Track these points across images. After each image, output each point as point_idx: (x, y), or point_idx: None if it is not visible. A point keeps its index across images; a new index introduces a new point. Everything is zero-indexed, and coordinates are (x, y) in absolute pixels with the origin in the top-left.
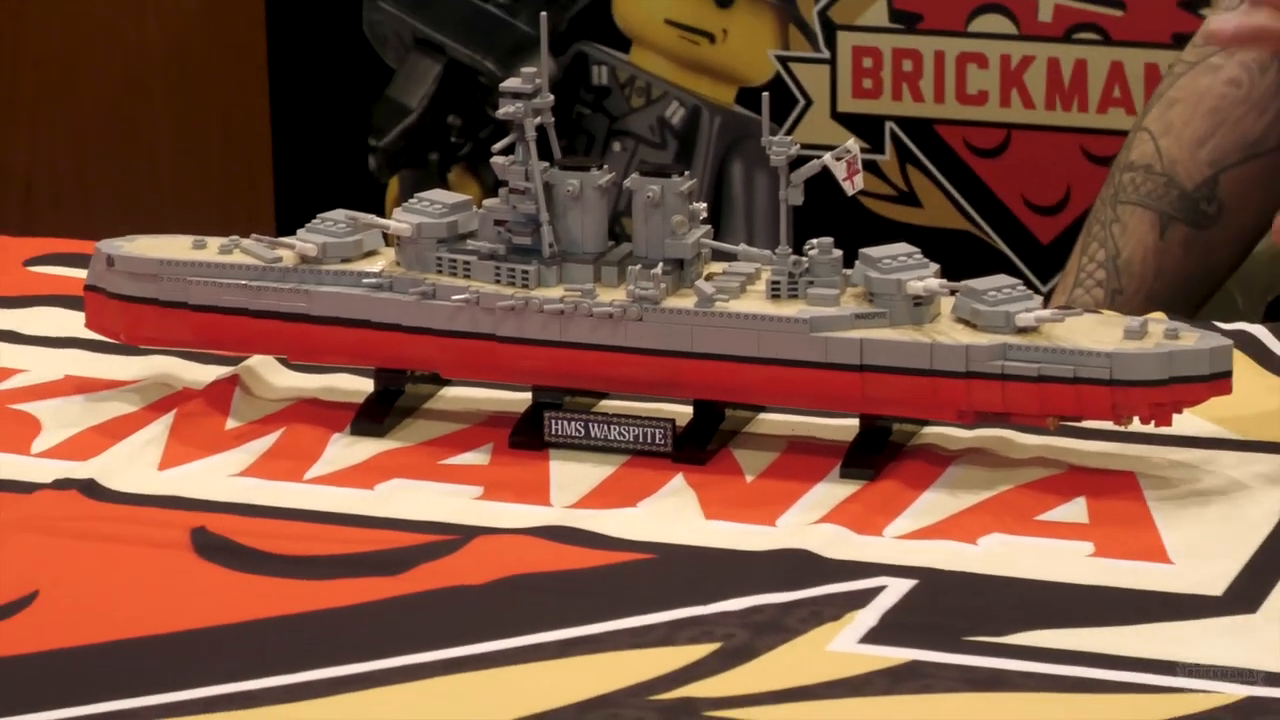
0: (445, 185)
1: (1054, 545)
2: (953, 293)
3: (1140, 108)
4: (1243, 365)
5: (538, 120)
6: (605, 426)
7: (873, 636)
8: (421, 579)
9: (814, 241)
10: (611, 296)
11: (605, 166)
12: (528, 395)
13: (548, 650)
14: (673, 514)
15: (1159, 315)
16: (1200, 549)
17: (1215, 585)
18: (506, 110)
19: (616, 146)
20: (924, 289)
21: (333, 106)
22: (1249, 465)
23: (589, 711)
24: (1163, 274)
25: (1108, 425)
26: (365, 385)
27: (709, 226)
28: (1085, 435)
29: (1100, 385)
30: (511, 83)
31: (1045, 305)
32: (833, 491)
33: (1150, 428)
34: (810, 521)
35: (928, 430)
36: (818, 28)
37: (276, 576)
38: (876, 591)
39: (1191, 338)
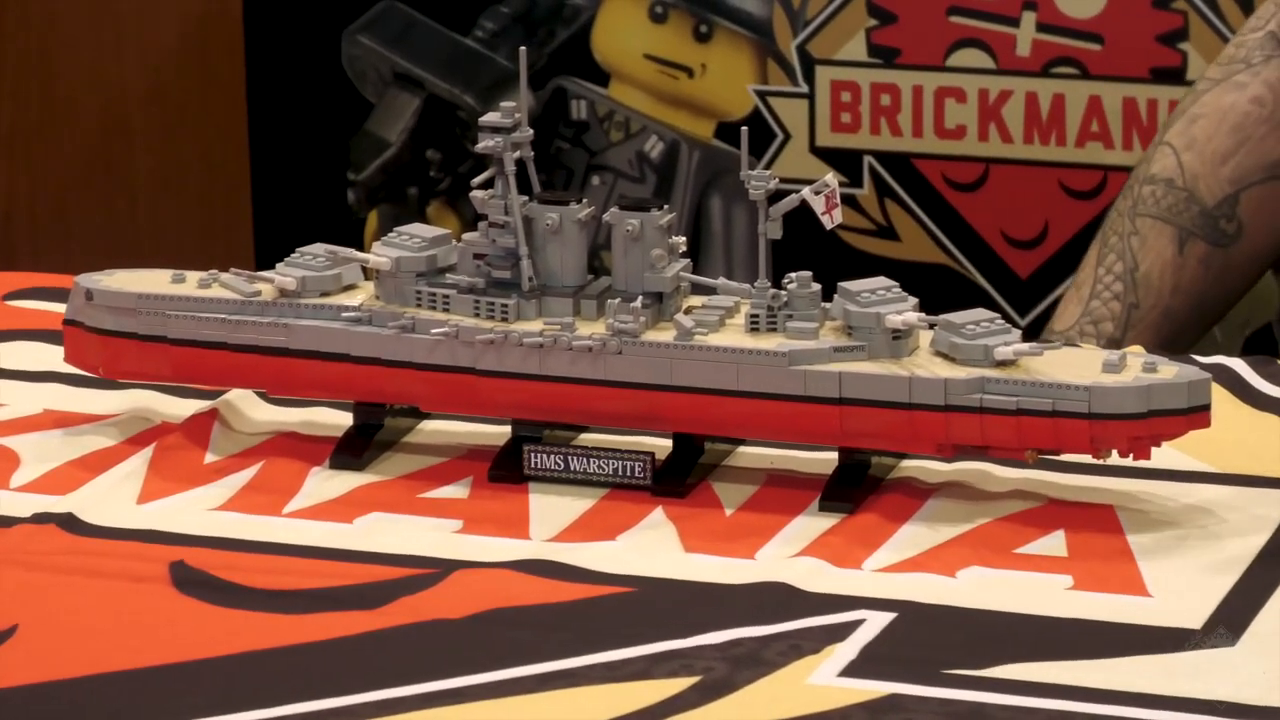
0: (424, 219)
1: (1033, 578)
2: (931, 326)
3: (1118, 142)
4: (1221, 398)
5: (517, 154)
6: (585, 460)
7: (852, 670)
8: (400, 613)
9: (793, 275)
10: (591, 330)
11: (584, 200)
12: (507, 429)
13: (526, 684)
14: (652, 547)
15: (1137, 349)
16: (1179, 582)
17: (1194, 618)
18: (486, 145)
19: (596, 181)
20: (902, 322)
21: (312, 141)
22: (1228, 498)
23: None
24: (1180, 290)
25: (1086, 458)
26: (344, 419)
27: (688, 260)
28: (1064, 468)
29: (1079, 419)
30: (491, 117)
31: (1040, 329)
32: (812, 525)
33: (1129, 461)
34: (789, 555)
35: (906, 463)
36: (796, 62)
37: (255, 610)
38: (856, 625)
39: (1170, 371)
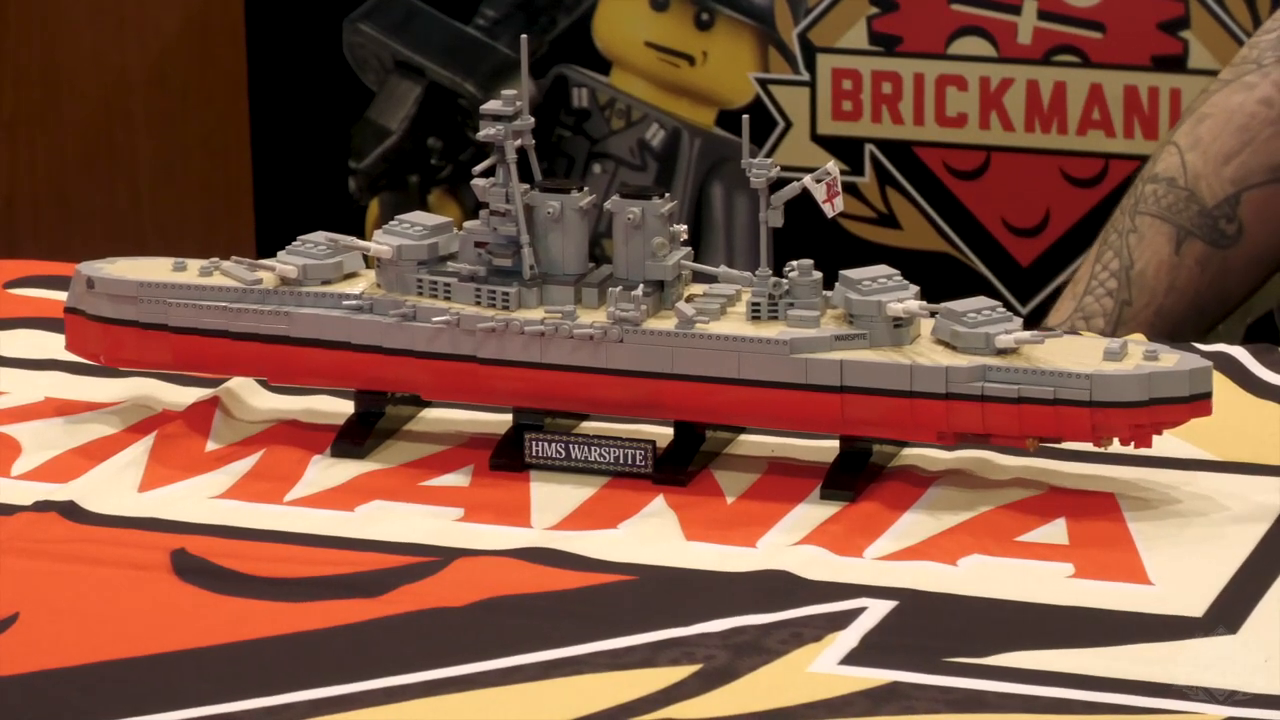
0: (425, 207)
1: (1034, 566)
2: (932, 314)
3: (1120, 130)
4: (1223, 387)
5: (518, 142)
6: (586, 448)
7: (853, 658)
8: (401, 601)
9: (794, 263)
10: (592, 318)
11: (586, 189)
12: (508, 417)
13: (528, 672)
14: (653, 535)
15: (1139, 336)
16: (1180, 570)
17: (1196, 606)
18: (487, 133)
19: (597, 169)
20: (904, 311)
21: (313, 129)
22: (1229, 486)
23: None
24: (1175, 290)
25: (1088, 446)
26: (345, 407)
27: (689, 249)
28: (1065, 456)
29: (1080, 406)
30: (492, 105)
31: (1040, 317)
32: (813, 513)
33: (1130, 449)
34: (791, 543)
35: (908, 451)
36: (797, 50)
37: (256, 598)
38: (857, 613)
39: (1171, 359)
